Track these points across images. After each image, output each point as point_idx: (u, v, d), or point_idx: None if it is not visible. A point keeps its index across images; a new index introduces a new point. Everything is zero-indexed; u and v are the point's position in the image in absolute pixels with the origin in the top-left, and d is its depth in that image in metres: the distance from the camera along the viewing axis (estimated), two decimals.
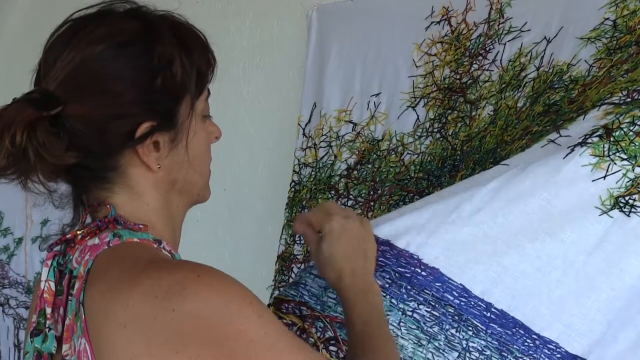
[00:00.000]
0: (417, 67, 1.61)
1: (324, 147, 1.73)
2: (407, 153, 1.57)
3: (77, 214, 0.88)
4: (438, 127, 1.54)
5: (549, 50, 1.39)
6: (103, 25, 0.82)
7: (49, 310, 0.79)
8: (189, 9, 2.42)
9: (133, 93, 0.81)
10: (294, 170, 1.78)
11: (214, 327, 0.69)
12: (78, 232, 0.83)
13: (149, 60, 0.81)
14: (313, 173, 1.73)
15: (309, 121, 1.78)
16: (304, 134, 1.78)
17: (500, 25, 1.49)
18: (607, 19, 1.29)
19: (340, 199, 1.65)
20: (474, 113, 1.48)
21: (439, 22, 1.59)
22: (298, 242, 1.70)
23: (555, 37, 1.39)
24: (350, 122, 1.70)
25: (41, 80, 0.82)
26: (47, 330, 0.78)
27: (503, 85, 1.45)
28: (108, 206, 0.83)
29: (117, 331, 0.71)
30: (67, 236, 0.83)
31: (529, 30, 1.43)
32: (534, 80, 1.38)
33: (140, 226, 0.82)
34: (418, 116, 1.58)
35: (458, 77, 1.53)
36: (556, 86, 1.33)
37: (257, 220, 1.96)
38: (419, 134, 1.57)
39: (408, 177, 1.55)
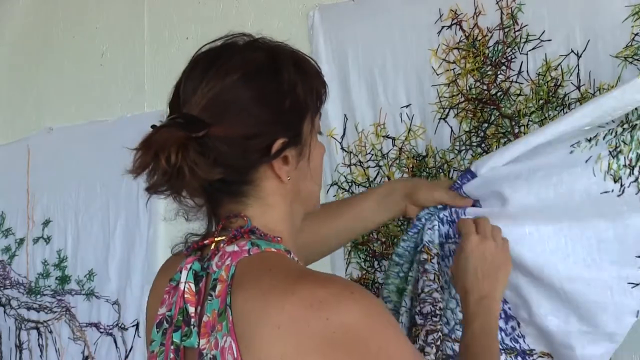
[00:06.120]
0: (437, 75, 1.58)
1: (373, 167, 1.71)
2: (454, 170, 1.56)
3: (210, 225, 0.99)
4: (477, 141, 1.53)
5: (584, 67, 1.37)
6: (233, 57, 0.94)
7: (191, 309, 0.89)
8: (190, 9, 2.35)
9: (267, 114, 0.92)
10: (342, 187, 1.75)
11: (361, 340, 0.81)
12: (216, 239, 0.94)
13: (278, 85, 0.93)
14: None
15: (344, 134, 1.75)
16: (342, 149, 1.75)
17: (517, 33, 1.46)
18: (637, 34, 1.27)
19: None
20: (516, 130, 1.47)
21: (449, 27, 1.56)
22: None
23: (584, 51, 1.37)
24: (387, 137, 1.67)
25: (181, 108, 0.93)
26: (192, 327, 0.88)
27: (541, 102, 1.43)
28: (245, 218, 0.94)
29: (270, 331, 0.81)
30: (205, 242, 0.95)
31: (550, 40, 1.41)
32: (580, 102, 1.37)
33: (279, 238, 0.93)
34: (452, 128, 1.56)
35: (485, 87, 1.52)
36: None
37: None
38: (457, 148, 1.56)
39: None
